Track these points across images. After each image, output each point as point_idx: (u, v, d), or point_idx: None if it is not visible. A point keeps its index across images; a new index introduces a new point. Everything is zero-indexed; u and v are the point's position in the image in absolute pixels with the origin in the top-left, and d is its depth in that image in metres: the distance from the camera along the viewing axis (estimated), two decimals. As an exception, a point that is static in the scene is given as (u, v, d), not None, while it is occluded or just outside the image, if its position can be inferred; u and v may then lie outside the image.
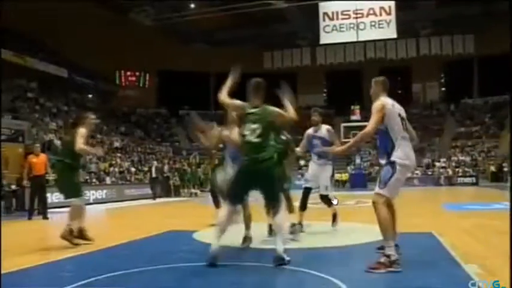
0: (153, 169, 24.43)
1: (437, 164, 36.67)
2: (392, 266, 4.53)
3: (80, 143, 6.91)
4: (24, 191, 15.43)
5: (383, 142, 4.97)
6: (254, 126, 5.08)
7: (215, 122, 7.78)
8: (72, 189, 7.12)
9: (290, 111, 5.15)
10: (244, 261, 5.41)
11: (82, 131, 7.01)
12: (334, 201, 8.47)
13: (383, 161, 5.00)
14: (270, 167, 5.14)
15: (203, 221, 9.39)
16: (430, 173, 35.86)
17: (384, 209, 4.73)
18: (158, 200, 22.65)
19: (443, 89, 45.95)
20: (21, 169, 15.51)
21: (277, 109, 5.18)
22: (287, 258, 4.95)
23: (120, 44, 35.22)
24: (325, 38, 36.12)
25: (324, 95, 46.26)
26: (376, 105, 4.93)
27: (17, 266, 5.28)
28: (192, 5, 33.60)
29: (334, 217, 7.87)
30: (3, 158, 18.39)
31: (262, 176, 5.11)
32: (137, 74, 43.03)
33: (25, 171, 13.06)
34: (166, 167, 28.73)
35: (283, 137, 7.09)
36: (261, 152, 5.07)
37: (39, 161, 12.73)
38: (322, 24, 35.52)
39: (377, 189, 4.84)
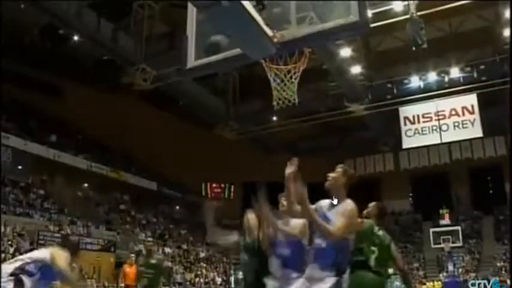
0: (232, 279, 24.35)
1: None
2: None
3: None
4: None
5: (338, 253, 3.86)
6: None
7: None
8: None
9: None
10: None
11: None
12: None
13: (325, 273, 3.78)
14: None
15: None
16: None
17: None
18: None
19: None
20: (112, 278, 15.94)
21: None
22: None
23: (206, 158, 36.75)
24: (407, 142, 35.43)
25: (410, 199, 44.92)
26: (351, 207, 3.90)
27: None
28: (274, 118, 34.85)
29: None
30: (97, 267, 19.05)
31: None
32: (222, 186, 44.22)
33: (119, 280, 13.22)
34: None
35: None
36: None
37: (132, 271, 12.89)
38: (403, 128, 35.06)
39: None
